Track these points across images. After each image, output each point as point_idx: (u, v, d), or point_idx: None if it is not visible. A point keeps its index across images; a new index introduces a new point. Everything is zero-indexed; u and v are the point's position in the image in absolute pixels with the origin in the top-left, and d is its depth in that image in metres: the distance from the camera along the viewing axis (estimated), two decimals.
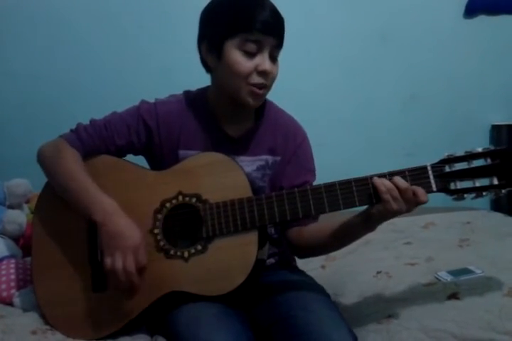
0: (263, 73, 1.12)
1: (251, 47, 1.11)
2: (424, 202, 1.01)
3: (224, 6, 1.15)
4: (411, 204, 1.01)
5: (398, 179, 1.01)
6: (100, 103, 1.96)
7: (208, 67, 1.20)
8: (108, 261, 1.07)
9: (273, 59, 1.14)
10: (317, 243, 1.18)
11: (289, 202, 1.07)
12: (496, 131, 2.50)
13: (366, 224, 1.07)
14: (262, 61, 1.12)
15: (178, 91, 1.29)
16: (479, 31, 2.46)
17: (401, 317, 1.18)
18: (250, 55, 1.12)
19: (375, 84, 2.45)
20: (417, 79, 2.46)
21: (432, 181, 1.01)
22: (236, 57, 1.12)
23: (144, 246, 1.09)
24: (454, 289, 1.25)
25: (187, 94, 1.27)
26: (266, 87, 1.15)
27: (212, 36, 1.15)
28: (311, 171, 1.28)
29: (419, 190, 1.00)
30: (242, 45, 1.11)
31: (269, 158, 1.24)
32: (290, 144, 1.26)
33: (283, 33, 1.15)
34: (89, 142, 1.20)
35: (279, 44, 1.14)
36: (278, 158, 1.25)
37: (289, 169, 1.25)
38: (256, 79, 1.12)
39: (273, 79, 1.16)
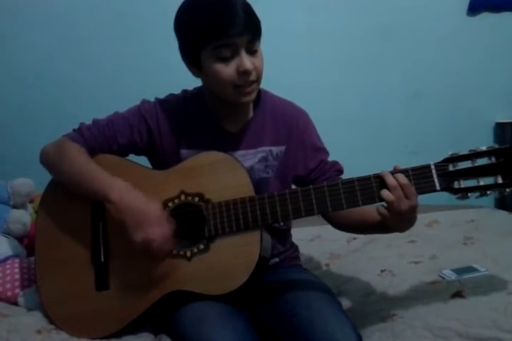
0: (245, 72, 1.09)
1: (225, 52, 1.07)
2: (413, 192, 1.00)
3: (188, 18, 1.10)
4: (413, 198, 1.00)
5: (400, 176, 1.01)
6: (101, 103, 1.96)
7: (194, 75, 1.18)
8: (138, 235, 1.06)
9: (252, 52, 1.10)
10: (353, 225, 1.20)
11: (292, 202, 1.07)
12: (500, 128, 2.50)
13: (384, 224, 1.06)
14: (241, 61, 1.08)
15: (179, 90, 1.29)
16: (482, 28, 2.46)
17: (405, 316, 1.18)
18: (227, 59, 1.08)
19: (378, 82, 2.44)
20: (421, 77, 2.46)
21: (436, 180, 1.01)
22: (214, 66, 1.09)
23: (166, 215, 1.09)
24: (458, 287, 1.25)
25: (185, 92, 1.27)
26: (254, 82, 1.12)
27: (187, 50, 1.14)
28: (322, 149, 1.29)
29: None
30: (216, 53, 1.08)
31: (273, 149, 1.24)
32: (294, 132, 1.25)
33: (256, 28, 1.10)
34: (92, 141, 1.20)
35: (254, 38, 1.09)
36: (282, 148, 1.24)
37: (300, 156, 1.25)
38: (241, 80, 1.10)
39: (259, 72, 1.12)
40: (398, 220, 1.03)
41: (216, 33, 1.06)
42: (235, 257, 1.09)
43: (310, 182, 1.18)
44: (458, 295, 1.21)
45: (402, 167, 1.03)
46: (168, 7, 2.25)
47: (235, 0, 1.08)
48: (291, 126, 1.25)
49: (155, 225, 1.06)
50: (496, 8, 2.47)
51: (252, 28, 1.09)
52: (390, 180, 1.01)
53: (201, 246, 1.11)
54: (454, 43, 2.45)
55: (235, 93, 1.12)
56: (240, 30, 1.06)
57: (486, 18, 2.47)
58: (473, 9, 2.45)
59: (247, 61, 1.08)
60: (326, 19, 2.37)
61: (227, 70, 1.09)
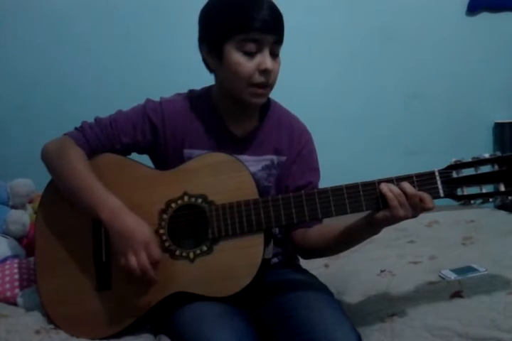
0: (265, 72, 1.11)
1: (250, 47, 1.10)
2: (431, 209, 1.01)
3: (220, 7, 1.13)
4: (417, 210, 1.01)
5: (406, 185, 1.00)
6: (101, 102, 1.96)
7: (210, 68, 1.19)
8: (122, 260, 1.06)
9: (273, 56, 1.13)
10: (321, 245, 1.18)
11: (296, 205, 1.07)
12: (499, 128, 2.50)
13: (370, 228, 1.06)
14: (263, 59, 1.10)
15: (180, 90, 1.29)
16: (481, 28, 2.46)
17: (405, 316, 1.18)
18: (250, 54, 1.10)
19: (377, 82, 2.45)
20: (420, 77, 2.46)
21: (440, 187, 1.01)
22: (236, 58, 1.11)
23: (155, 240, 1.08)
24: (457, 287, 1.25)
25: (192, 92, 1.27)
26: (268, 86, 1.14)
27: (211, 39, 1.14)
28: (316, 171, 1.28)
29: (426, 196, 1.00)
30: (241, 46, 1.10)
31: (275, 158, 1.24)
32: (295, 144, 1.25)
33: (282, 29, 1.13)
34: (94, 140, 1.20)
35: (278, 40, 1.13)
36: (284, 158, 1.25)
37: (294, 169, 1.25)
38: (258, 78, 1.11)
39: (275, 77, 1.15)
40: (392, 223, 1.04)
41: (248, 27, 1.08)
42: (238, 259, 1.08)
43: None
44: (457, 295, 1.22)
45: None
46: (167, 6, 2.27)
47: (268, 0, 1.12)
48: (293, 140, 1.26)
49: (140, 251, 1.05)
50: (495, 7, 2.47)
51: (280, 28, 1.13)
52: (391, 188, 1.00)
53: (204, 248, 1.11)
54: (453, 43, 2.45)
55: (248, 91, 1.13)
56: (270, 28, 1.09)
57: (485, 17, 2.47)
58: (473, 9, 2.45)
59: (269, 61, 1.10)
60: (325, 19, 2.37)
61: (248, 64, 1.10)
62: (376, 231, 1.08)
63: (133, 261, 1.05)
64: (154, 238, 1.09)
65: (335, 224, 1.15)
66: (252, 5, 1.09)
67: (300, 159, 1.26)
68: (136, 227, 1.07)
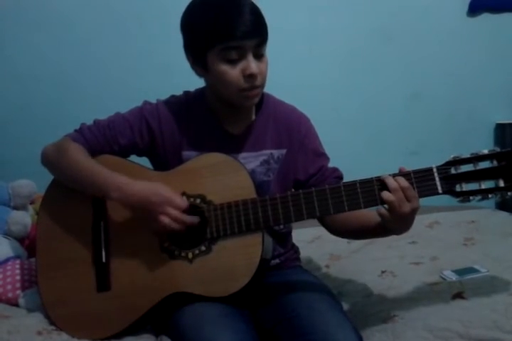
0: (251, 76, 1.09)
1: (233, 54, 1.08)
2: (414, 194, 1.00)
3: (198, 17, 1.10)
4: (413, 200, 1.00)
5: (401, 179, 1.00)
6: (102, 103, 1.96)
7: (198, 75, 1.18)
8: (155, 225, 1.08)
9: (258, 57, 1.11)
10: (350, 230, 1.19)
11: (294, 204, 1.07)
12: (501, 129, 2.49)
13: (384, 226, 1.06)
14: (247, 64, 1.08)
15: (180, 90, 1.29)
16: (483, 29, 2.46)
17: (406, 317, 1.18)
18: (234, 61, 1.09)
19: (378, 83, 2.44)
20: (421, 78, 2.46)
21: (438, 183, 1.01)
22: (220, 67, 1.09)
23: (171, 192, 1.09)
24: (459, 288, 1.25)
25: (187, 94, 1.27)
26: (258, 87, 1.13)
27: (194, 49, 1.13)
28: (323, 156, 1.29)
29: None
30: (223, 55, 1.08)
31: (275, 152, 1.24)
32: (294, 136, 1.25)
33: (265, 31, 1.10)
34: (93, 141, 1.20)
35: (261, 42, 1.10)
36: (284, 151, 1.24)
37: (300, 160, 1.25)
38: (245, 84, 1.10)
39: (264, 77, 1.13)
40: (398, 222, 1.03)
41: (226, 35, 1.06)
42: (236, 259, 1.09)
43: (309, 187, 1.15)
44: (459, 296, 1.22)
45: (406, 168, 1.03)
46: (168, 7, 2.26)
47: (246, 3, 1.09)
48: (293, 130, 1.25)
49: (165, 209, 1.06)
50: (496, 8, 2.47)
51: (260, 31, 1.09)
52: (391, 182, 1.01)
53: (203, 248, 1.11)
54: (454, 44, 2.45)
55: (239, 96, 1.12)
56: (250, 34, 1.06)
57: (486, 18, 2.47)
58: (474, 10, 2.45)
59: (253, 65, 1.08)
60: (326, 20, 2.36)
61: (233, 72, 1.09)
62: (391, 231, 1.07)
63: (165, 220, 1.06)
64: (169, 189, 1.09)
65: (357, 216, 1.14)
66: (230, 12, 1.06)
67: (304, 149, 1.26)
68: (148, 192, 1.08)
